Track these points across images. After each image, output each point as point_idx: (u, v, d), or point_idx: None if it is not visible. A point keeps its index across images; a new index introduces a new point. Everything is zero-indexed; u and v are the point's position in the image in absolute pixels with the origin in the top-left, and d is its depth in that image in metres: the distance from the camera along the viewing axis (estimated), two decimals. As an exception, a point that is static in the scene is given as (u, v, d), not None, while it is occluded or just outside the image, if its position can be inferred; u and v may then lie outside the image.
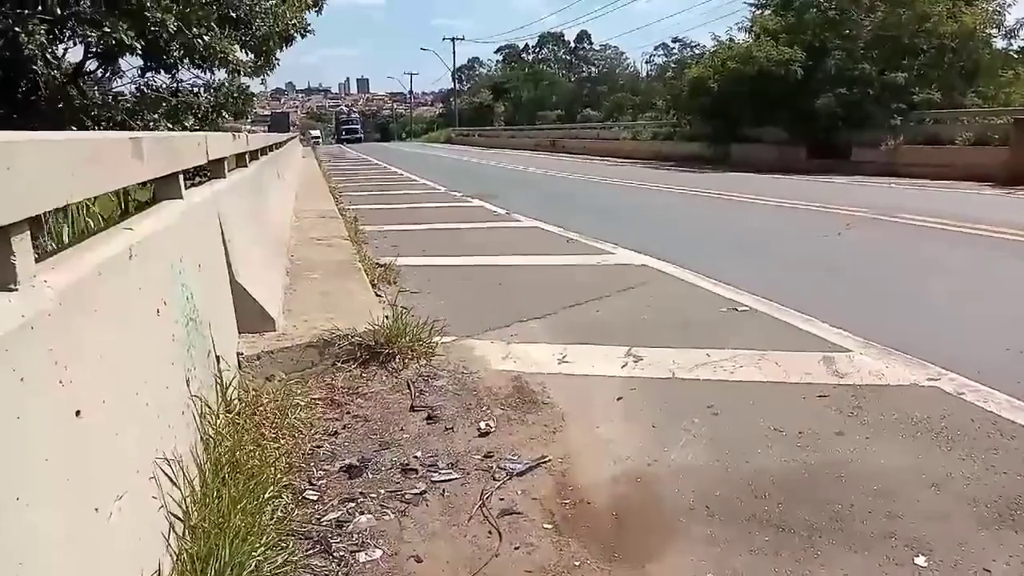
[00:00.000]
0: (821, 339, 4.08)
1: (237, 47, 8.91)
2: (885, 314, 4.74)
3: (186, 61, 8.19)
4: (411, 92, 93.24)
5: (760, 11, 21.42)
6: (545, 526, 2.37)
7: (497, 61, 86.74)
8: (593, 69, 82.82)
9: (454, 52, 76.25)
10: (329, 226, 8.14)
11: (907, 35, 17.44)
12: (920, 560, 2.09)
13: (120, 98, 8.47)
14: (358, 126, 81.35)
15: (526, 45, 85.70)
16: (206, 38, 7.82)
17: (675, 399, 3.37)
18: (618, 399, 3.41)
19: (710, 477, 2.63)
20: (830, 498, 2.43)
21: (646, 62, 76.57)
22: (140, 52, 7.48)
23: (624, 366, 3.83)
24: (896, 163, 15.64)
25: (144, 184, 2.70)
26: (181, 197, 2.88)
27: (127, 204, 4.66)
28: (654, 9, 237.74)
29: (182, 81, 9.00)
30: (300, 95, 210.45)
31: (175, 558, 1.80)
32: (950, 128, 15.58)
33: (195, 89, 9.23)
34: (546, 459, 2.82)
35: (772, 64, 18.09)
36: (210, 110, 8.99)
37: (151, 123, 8.14)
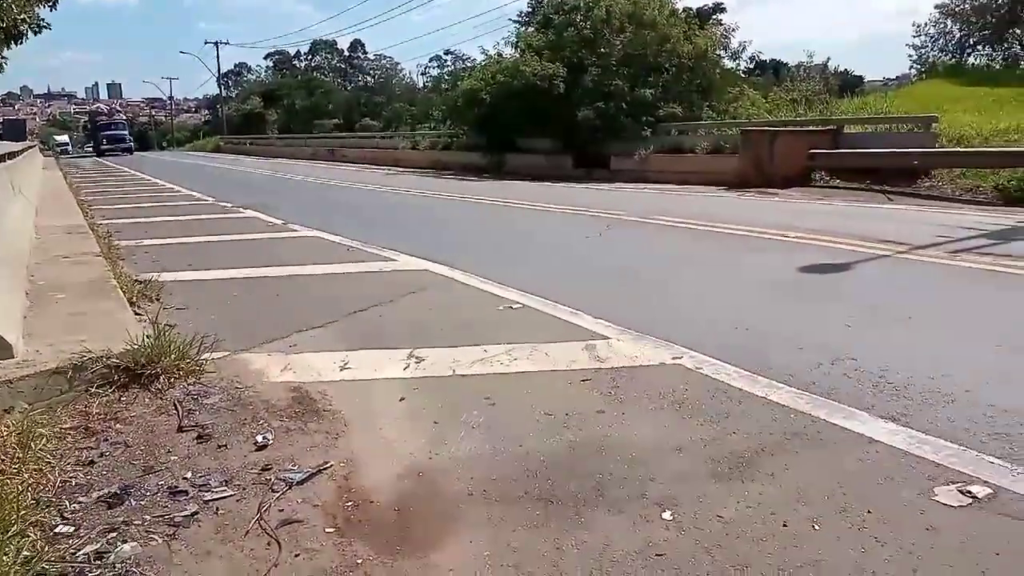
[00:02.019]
0: (585, 329, 4.44)
1: None
2: (639, 303, 5.25)
3: None
4: (171, 98, 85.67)
5: (524, 28, 22.63)
6: (327, 530, 2.36)
7: (267, 67, 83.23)
8: (369, 79, 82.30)
9: (218, 56, 71.79)
10: (78, 242, 7.35)
11: (652, 54, 19.38)
12: (666, 515, 2.37)
13: None
14: (125, 132, 58.09)
15: (298, 52, 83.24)
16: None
17: (455, 395, 3.49)
18: (401, 399, 3.47)
19: (487, 464, 2.77)
20: (592, 470, 2.67)
21: (421, 73, 77.46)
22: None
23: (407, 367, 3.90)
24: (647, 170, 17.28)
25: None
26: None
27: None
28: (427, 21, 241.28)
29: None
30: (40, 100, 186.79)
31: None
32: (691, 139, 17.54)
33: None
34: (328, 465, 2.80)
35: (537, 79, 19.19)
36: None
37: None
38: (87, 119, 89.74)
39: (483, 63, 23.78)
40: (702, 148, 16.70)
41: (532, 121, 20.06)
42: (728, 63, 22.03)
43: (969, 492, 2.37)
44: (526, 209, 12.08)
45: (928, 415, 3.02)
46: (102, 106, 73.25)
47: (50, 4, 9.83)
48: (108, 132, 55.72)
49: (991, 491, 2.39)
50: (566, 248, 8.18)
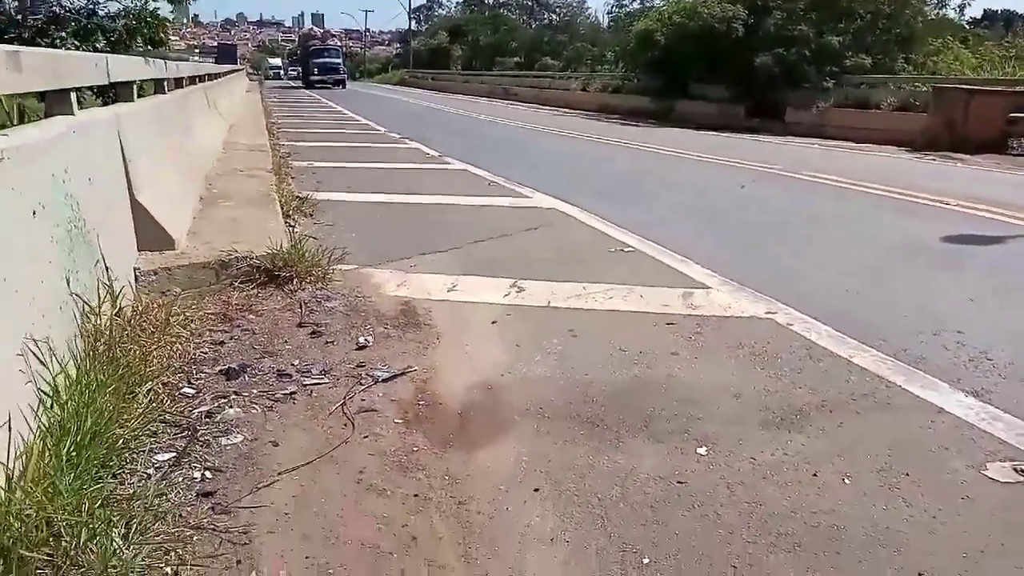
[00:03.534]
0: (689, 277, 4.46)
1: None
2: (754, 258, 5.14)
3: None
4: (367, 30, 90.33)
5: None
6: (396, 421, 2.69)
7: (457, 2, 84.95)
8: (554, 17, 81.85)
9: (410, -10, 73.58)
10: (257, 159, 8.21)
11: (846, -1, 17.87)
12: (702, 450, 2.47)
13: (34, 16, 8.31)
14: (339, 61, 50.38)
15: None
16: (115, -41, 7.71)
17: (543, 323, 3.70)
18: (493, 322, 3.73)
19: (551, 386, 2.97)
20: (646, 404, 2.80)
21: (607, 12, 75.86)
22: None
23: (507, 295, 4.15)
24: (825, 125, 16.15)
25: (42, 99, 2.86)
26: (72, 113, 3.04)
27: (23, 117, 4.73)
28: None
29: (99, 3, 8.87)
30: (252, 27, 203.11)
31: (40, 426, 2.05)
32: (878, 93, 16.10)
33: (111, 13, 9.10)
34: (412, 369, 3.13)
35: (716, 20, 18.32)
36: (125, 35, 8.88)
37: (58, 41, 8.02)
38: (297, 44, 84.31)
39: (661, 4, 22.99)
40: (888, 104, 15.32)
41: (706, 66, 19.24)
42: (933, 13, 19.76)
43: (1023, 471, 2.27)
44: (679, 157, 11.81)
45: (1016, 394, 2.85)
46: (315, 29, 63.56)
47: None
48: (320, 60, 48.63)
49: (1049, 474, 2.27)
50: (701, 198, 8.02)
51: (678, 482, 2.28)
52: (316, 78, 46.59)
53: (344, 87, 45.18)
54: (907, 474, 2.30)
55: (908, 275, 4.74)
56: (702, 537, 2.02)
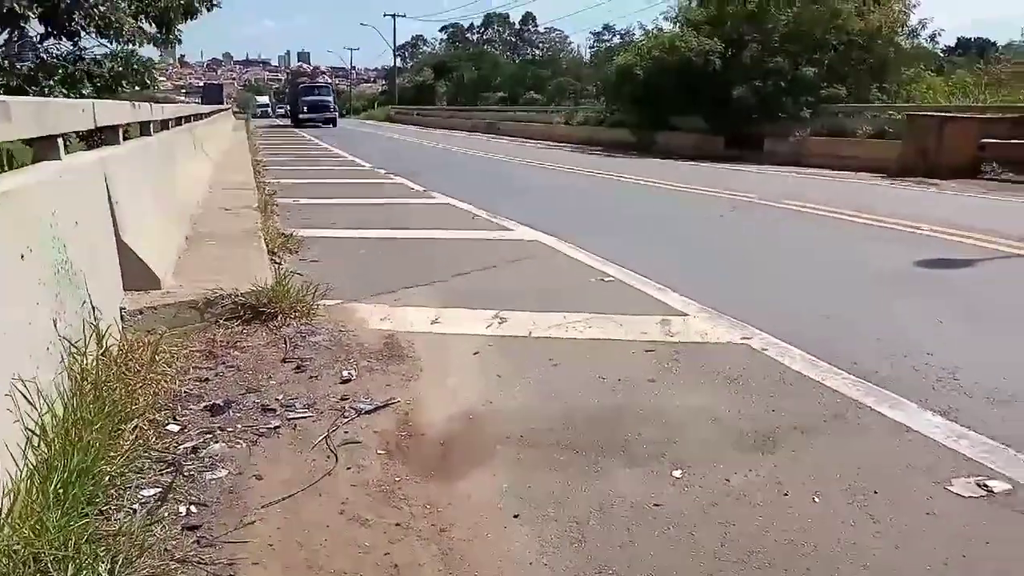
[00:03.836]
0: (668, 305, 4.56)
1: (131, 18, 8.97)
2: (731, 285, 5.26)
3: (90, 29, 8.23)
4: (352, 68, 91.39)
5: (687, 1, 22.07)
6: (379, 452, 2.74)
7: (441, 40, 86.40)
8: (537, 52, 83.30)
9: (394, 29, 74.52)
10: (242, 197, 8.30)
11: (820, 31, 18.33)
12: (677, 473, 2.54)
13: (20, 64, 8.44)
14: (330, 98, 47.74)
15: (471, 25, 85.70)
16: (102, 7, 7.87)
17: (524, 354, 3.78)
18: (475, 354, 3.80)
19: (531, 415, 3.04)
20: (624, 430, 2.87)
21: (589, 47, 77.21)
22: (37, 19, 7.48)
23: (489, 326, 4.22)
24: (803, 154, 16.50)
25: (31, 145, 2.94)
26: (60, 159, 3.12)
27: (10, 164, 4.81)
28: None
29: (85, 49, 9.03)
30: (238, 66, 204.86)
31: (27, 464, 2.09)
32: (853, 122, 16.49)
33: (98, 58, 9.25)
34: (395, 401, 3.18)
35: (693, 54, 18.76)
36: (111, 79, 9.03)
37: (46, 89, 8.15)
38: (285, 81, 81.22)
39: (640, 39, 23.53)
40: (864, 132, 15.70)
41: (685, 99, 19.66)
42: (907, 43, 20.31)
43: (986, 486, 2.36)
44: (659, 188, 12.01)
45: (980, 413, 2.94)
46: (305, 66, 63.49)
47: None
48: (309, 97, 46.26)
49: (1010, 487, 2.35)
50: (681, 227, 8.19)
51: (654, 505, 2.34)
52: (305, 116, 44.65)
53: (335, 125, 43.59)
54: (875, 492, 2.37)
55: (880, 300, 4.86)
56: (676, 557, 2.08)
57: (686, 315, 4.34)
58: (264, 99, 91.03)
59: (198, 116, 12.17)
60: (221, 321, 4.01)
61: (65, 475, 2.06)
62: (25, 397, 2.15)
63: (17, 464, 2.02)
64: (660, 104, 20.65)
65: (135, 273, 3.88)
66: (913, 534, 2.15)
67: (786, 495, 2.38)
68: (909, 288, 5.21)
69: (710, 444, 2.76)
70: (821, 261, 6.22)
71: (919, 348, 3.69)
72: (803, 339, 3.83)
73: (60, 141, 3.16)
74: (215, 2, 10.99)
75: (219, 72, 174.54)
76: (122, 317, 3.62)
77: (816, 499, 2.35)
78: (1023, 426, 2.83)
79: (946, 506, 2.29)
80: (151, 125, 6.17)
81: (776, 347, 3.75)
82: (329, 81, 53.79)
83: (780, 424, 2.89)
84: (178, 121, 9.02)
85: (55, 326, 2.57)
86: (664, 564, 2.05)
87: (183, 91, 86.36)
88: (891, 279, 5.42)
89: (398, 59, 77.17)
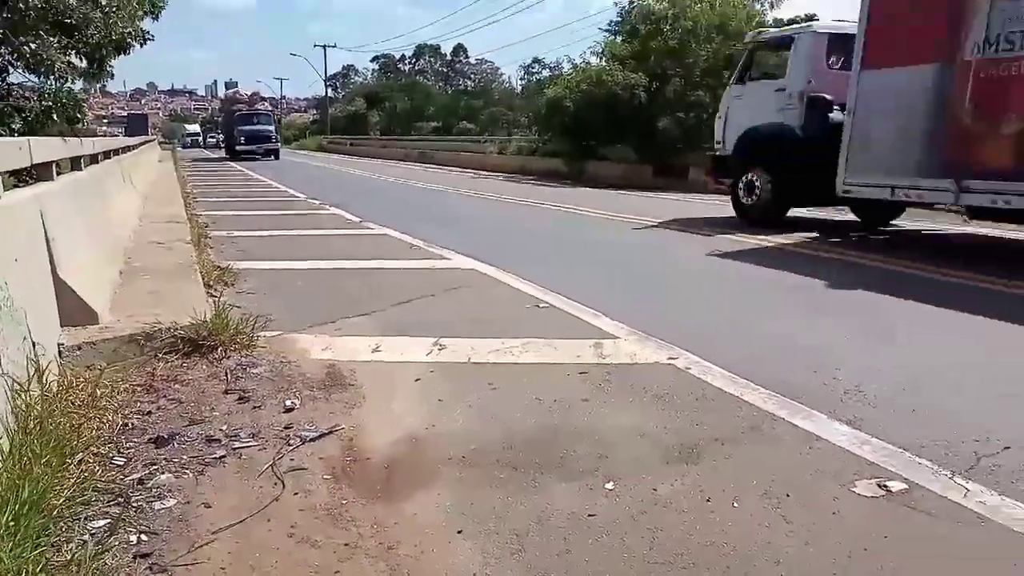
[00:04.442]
0: (600, 329, 4.78)
1: (63, 55, 8.88)
2: (659, 309, 5.55)
3: (18, 65, 8.12)
4: (282, 97, 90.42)
5: (612, 37, 22.91)
6: (325, 477, 2.83)
7: (373, 70, 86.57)
8: (469, 83, 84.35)
9: (325, 59, 74.56)
10: (174, 230, 8.21)
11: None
12: (609, 485, 2.72)
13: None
14: (271, 127, 42.29)
15: (403, 55, 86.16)
16: (32, 45, 7.80)
17: (464, 379, 3.92)
18: (416, 380, 3.92)
19: (472, 436, 3.18)
20: (560, 448, 3.04)
21: (520, 78, 78.62)
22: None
23: (429, 353, 4.35)
24: (727, 182, 17.26)
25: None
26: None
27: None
28: (531, 25, 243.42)
29: (13, 85, 8.85)
30: (163, 96, 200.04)
31: (-23, 498, 2.12)
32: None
33: (26, 93, 9.09)
34: (339, 428, 3.28)
35: (619, 87, 19.46)
36: (40, 114, 8.88)
37: (-26, 127, 7.99)
38: (218, 108, 74.68)
39: (569, 72, 24.22)
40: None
41: (613, 130, 20.32)
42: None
43: (885, 486, 2.62)
44: (590, 217, 12.38)
45: (883, 421, 3.23)
46: (242, 93, 50.45)
47: (153, 16, 10.96)
48: (247, 127, 41.09)
49: (906, 487, 2.62)
50: (613, 254, 8.49)
51: (588, 515, 2.51)
52: (243, 148, 39.66)
53: (277, 158, 39.16)
54: (788, 495, 2.60)
55: (795, 319, 5.20)
56: (610, 562, 2.25)
57: (617, 338, 4.57)
58: (195, 127, 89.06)
59: (126, 148, 11.97)
60: (160, 355, 4.02)
61: (16, 507, 2.10)
62: (-27, 433, 2.19)
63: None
64: (590, 135, 21.29)
65: (72, 308, 3.87)
66: (821, 532, 2.38)
67: (708, 501, 2.58)
68: (821, 307, 5.58)
69: (639, 458, 2.95)
70: (739, 283, 6.58)
71: (828, 363, 4.00)
72: (724, 357, 4.09)
73: (-1, 179, 3.19)
74: (148, 37, 10.90)
75: (143, 101, 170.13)
76: (60, 353, 3.61)
77: (735, 504, 2.56)
78: (919, 432, 3.12)
79: (850, 506, 2.53)
80: (82, 160, 6.11)
81: (699, 365, 4.00)
82: (271, 109, 48.25)
83: (703, 437, 3.12)
84: (107, 155, 8.89)
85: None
86: (599, 569, 2.21)
87: (106, 121, 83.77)
88: (805, 299, 5.80)
89: (329, 89, 76.89)
